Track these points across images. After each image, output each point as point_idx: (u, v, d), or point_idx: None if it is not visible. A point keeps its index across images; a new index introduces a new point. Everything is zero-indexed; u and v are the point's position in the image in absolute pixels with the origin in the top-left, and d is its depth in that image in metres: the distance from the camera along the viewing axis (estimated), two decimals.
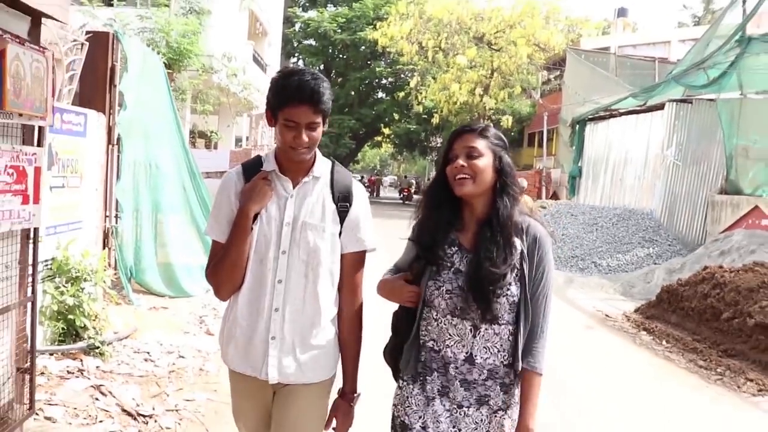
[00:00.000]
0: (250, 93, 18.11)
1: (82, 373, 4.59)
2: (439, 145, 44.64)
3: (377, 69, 36.90)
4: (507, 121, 29.22)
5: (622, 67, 24.91)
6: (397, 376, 2.23)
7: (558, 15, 29.56)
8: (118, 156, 6.26)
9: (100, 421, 3.92)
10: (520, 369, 2.07)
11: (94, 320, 5.21)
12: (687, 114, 14.94)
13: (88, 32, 5.90)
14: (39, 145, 2.91)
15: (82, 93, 5.88)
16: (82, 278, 5.10)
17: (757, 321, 6.33)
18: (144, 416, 4.14)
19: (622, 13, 38.28)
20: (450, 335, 2.08)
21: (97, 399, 4.24)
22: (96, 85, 6.02)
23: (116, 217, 6.25)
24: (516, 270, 2.06)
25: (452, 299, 2.06)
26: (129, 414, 4.13)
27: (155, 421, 4.12)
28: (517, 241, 2.07)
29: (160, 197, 6.78)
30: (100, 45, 6.00)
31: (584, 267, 12.97)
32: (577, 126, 20.64)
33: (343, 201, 2.18)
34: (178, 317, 6.41)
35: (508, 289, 2.04)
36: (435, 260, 2.11)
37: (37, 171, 2.77)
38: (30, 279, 2.93)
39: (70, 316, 4.97)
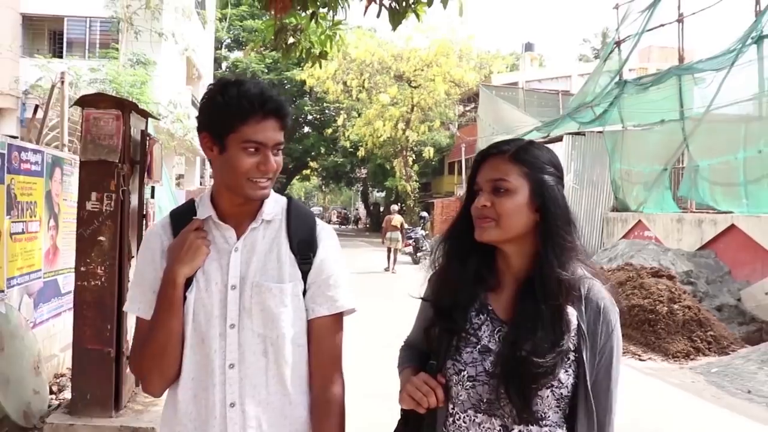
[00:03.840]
0: (194, 136, 19.71)
1: None
2: (364, 175, 46.83)
3: (304, 107, 38.88)
4: (429, 152, 31.78)
5: (529, 100, 27.64)
6: None
7: (470, 54, 32.35)
8: None
9: None
10: None
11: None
12: (581, 144, 17.46)
13: None
14: (152, 197, 4.68)
15: None
16: None
17: (622, 306, 8.50)
18: None
19: (528, 47, 41.61)
20: None
21: None
22: None
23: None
24: (569, 353, 1.47)
25: (475, 389, 1.51)
26: None
27: None
28: (571, 313, 1.48)
29: None
30: None
31: None
32: None
33: (304, 250, 1.66)
34: None
35: (556, 379, 1.46)
36: (454, 330, 1.57)
37: (151, 215, 4.50)
38: None
39: None
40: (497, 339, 1.52)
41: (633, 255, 11.92)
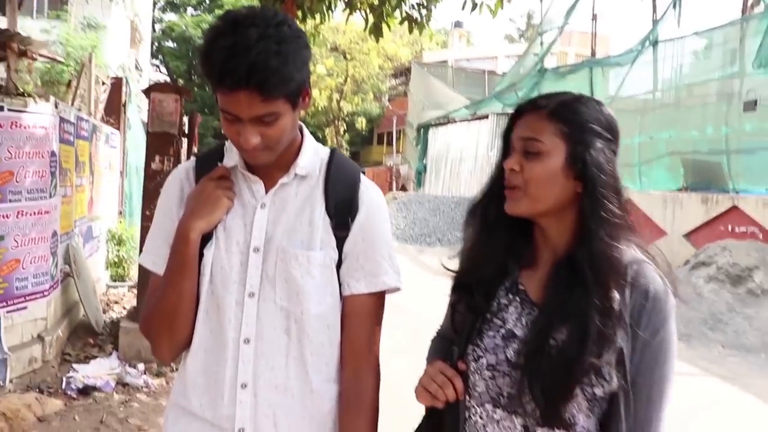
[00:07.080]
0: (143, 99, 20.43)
1: None
2: None
3: None
4: (361, 122, 33.28)
5: (458, 79, 29.37)
6: None
7: (404, 29, 33.75)
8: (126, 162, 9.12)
9: None
10: None
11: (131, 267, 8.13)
12: (506, 123, 19.35)
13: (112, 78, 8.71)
14: None
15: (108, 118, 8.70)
16: (127, 242, 8.01)
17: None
18: None
19: (458, 24, 43.43)
20: None
21: None
22: (113, 112, 8.85)
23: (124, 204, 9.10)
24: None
25: (495, 380, 1.27)
26: None
27: None
28: (615, 298, 1.19)
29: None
30: (116, 85, 8.82)
31: (431, 242, 16.86)
32: (422, 130, 24.82)
33: (342, 212, 1.38)
34: None
35: (587, 378, 1.18)
36: (476, 309, 1.33)
37: None
38: None
39: (123, 265, 7.90)
40: (525, 323, 1.28)
41: None
